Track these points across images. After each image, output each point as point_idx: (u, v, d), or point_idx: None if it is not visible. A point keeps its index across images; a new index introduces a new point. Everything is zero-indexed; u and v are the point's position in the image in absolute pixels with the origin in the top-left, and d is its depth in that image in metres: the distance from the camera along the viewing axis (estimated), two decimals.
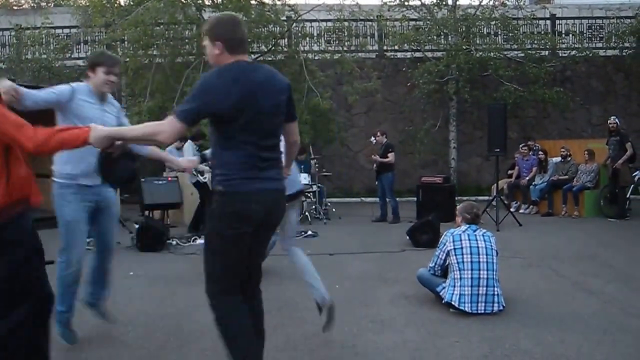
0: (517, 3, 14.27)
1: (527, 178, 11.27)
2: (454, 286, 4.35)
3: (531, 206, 11.05)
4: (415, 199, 10.27)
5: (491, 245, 4.44)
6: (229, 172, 2.58)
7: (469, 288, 4.27)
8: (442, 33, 14.04)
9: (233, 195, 2.57)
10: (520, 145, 11.88)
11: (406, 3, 14.09)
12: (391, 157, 9.84)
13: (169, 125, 2.48)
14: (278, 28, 13.37)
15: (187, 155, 7.84)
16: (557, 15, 15.04)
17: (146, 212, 8.44)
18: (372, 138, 10.29)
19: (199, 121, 2.66)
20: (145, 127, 2.63)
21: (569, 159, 11.02)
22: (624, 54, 14.27)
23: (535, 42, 14.09)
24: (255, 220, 2.61)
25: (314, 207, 10.24)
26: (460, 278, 4.32)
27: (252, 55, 13.46)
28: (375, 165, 10.04)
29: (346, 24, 14.19)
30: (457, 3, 14.22)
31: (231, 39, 2.63)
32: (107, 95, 3.64)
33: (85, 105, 3.43)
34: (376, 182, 10.15)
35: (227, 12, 2.85)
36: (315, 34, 14.36)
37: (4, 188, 2.38)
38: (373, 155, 9.97)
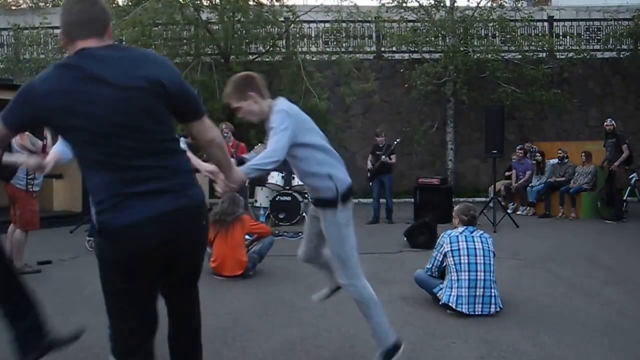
0: (514, 5, 14.29)
1: (519, 183, 11.26)
2: (451, 287, 4.35)
3: (528, 208, 11.07)
4: (412, 200, 10.28)
5: (488, 247, 4.45)
6: None
7: (466, 289, 4.28)
8: (439, 34, 14.06)
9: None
10: (517, 148, 11.89)
11: (404, 4, 14.11)
12: (394, 158, 9.87)
13: None
14: (276, 29, 13.39)
15: None
16: (554, 17, 15.08)
17: None
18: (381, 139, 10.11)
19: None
20: None
21: (566, 160, 11.05)
22: (621, 56, 14.31)
23: (533, 44, 14.12)
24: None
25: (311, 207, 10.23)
26: (458, 279, 4.33)
27: (250, 56, 13.50)
28: (373, 167, 9.93)
29: (344, 25, 14.22)
30: (455, 5, 14.24)
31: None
32: None
33: None
34: (370, 184, 10.09)
35: None
36: (313, 35, 14.38)
37: None
38: (382, 157, 9.81)
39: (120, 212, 1.95)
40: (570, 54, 14.12)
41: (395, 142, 9.89)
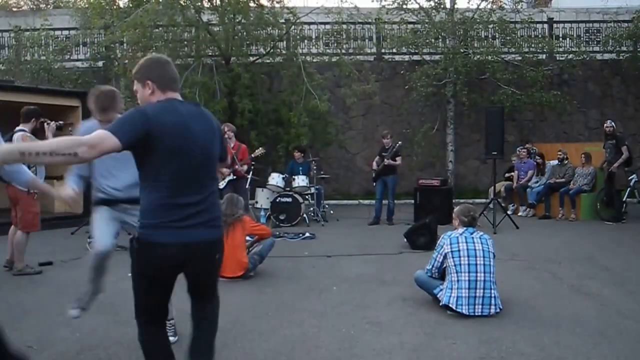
0: (514, 7, 14.32)
1: (521, 182, 11.29)
2: (452, 288, 4.37)
3: (528, 209, 11.08)
4: (412, 201, 10.30)
5: (488, 248, 4.46)
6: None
7: (466, 290, 4.30)
8: (440, 36, 14.08)
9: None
10: (519, 148, 11.91)
11: (404, 6, 14.13)
12: (399, 160, 9.90)
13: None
14: (277, 31, 13.40)
15: None
16: (554, 19, 15.10)
17: None
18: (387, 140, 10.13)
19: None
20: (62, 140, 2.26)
21: (566, 162, 11.06)
22: (620, 57, 14.32)
23: (533, 45, 14.15)
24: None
25: (312, 209, 10.26)
26: (458, 280, 4.34)
27: (251, 58, 13.53)
28: (377, 167, 9.94)
29: (344, 26, 14.23)
30: (455, 6, 14.26)
31: (162, 76, 2.59)
32: None
33: None
34: (374, 184, 10.11)
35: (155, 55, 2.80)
36: (313, 37, 14.39)
37: None
38: (386, 159, 9.83)
39: (164, 231, 2.44)
40: (570, 56, 14.14)
41: (397, 144, 9.91)
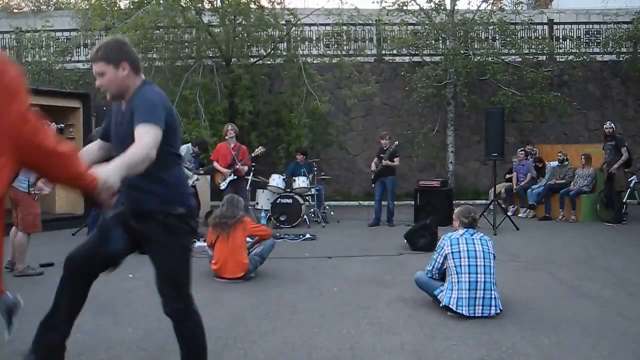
0: (514, 8, 14.34)
1: (520, 185, 11.30)
2: (452, 289, 4.38)
3: (528, 210, 11.09)
4: (412, 202, 10.31)
5: (488, 249, 4.47)
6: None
7: (467, 291, 4.31)
8: (440, 37, 14.10)
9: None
10: (518, 150, 11.92)
11: (405, 8, 14.15)
12: (397, 160, 9.91)
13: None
14: (277, 32, 13.42)
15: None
16: (554, 20, 15.11)
17: None
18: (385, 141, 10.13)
19: None
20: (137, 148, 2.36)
21: (566, 163, 11.07)
22: (620, 59, 14.34)
23: (533, 46, 14.16)
24: None
25: (312, 210, 10.27)
26: (458, 281, 4.35)
27: (251, 59, 13.55)
28: (376, 168, 9.94)
29: (345, 28, 14.24)
30: (456, 8, 14.27)
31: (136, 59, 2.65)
32: None
33: None
34: (373, 185, 10.12)
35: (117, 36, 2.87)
36: (314, 38, 14.41)
37: None
38: (384, 160, 9.83)
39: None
40: (570, 57, 14.15)
41: (394, 145, 9.91)
